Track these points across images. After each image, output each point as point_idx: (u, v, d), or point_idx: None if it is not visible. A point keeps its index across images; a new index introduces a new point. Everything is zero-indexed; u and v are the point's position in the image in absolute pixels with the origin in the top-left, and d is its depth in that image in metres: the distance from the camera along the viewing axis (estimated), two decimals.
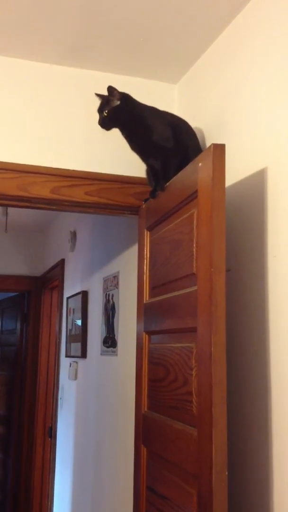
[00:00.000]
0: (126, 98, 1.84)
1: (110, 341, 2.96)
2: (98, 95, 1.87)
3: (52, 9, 1.84)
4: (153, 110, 1.92)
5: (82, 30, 1.96)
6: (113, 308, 2.94)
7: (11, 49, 2.07)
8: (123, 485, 2.61)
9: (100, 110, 1.84)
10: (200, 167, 1.58)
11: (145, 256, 2.07)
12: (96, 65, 2.17)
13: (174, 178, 1.83)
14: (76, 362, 3.77)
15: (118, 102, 1.82)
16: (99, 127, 1.93)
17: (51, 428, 4.45)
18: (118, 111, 1.82)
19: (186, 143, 1.92)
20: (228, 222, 1.55)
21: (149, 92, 2.20)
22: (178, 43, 2.01)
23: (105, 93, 1.83)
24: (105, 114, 1.82)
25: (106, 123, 1.84)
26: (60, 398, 4.22)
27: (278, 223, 1.54)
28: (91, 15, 1.86)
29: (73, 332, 3.83)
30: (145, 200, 2.08)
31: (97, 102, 1.89)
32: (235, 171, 1.75)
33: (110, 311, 2.99)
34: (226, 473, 1.39)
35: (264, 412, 1.54)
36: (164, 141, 1.87)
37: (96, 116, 1.88)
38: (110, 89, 1.81)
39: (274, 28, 1.62)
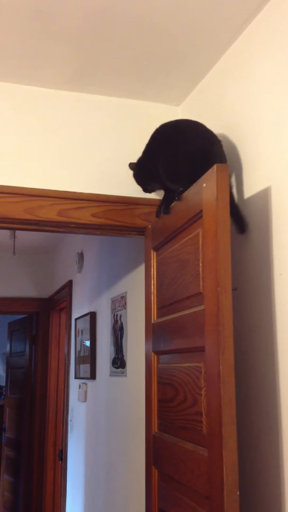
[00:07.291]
0: (136, 165, 2.04)
1: (119, 362, 2.96)
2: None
3: (56, 36, 1.88)
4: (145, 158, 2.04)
5: (86, 56, 2.00)
6: (121, 328, 2.94)
7: (15, 75, 2.11)
8: (134, 507, 2.59)
9: None
10: (204, 188, 1.60)
11: (152, 276, 2.08)
12: (100, 89, 2.21)
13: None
14: (86, 384, 3.75)
15: (133, 171, 2.06)
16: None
17: (61, 451, 4.42)
18: (136, 176, 2.06)
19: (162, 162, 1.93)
20: (233, 241, 1.56)
21: (153, 115, 2.23)
22: (180, 66, 2.05)
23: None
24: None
25: (143, 189, 2.09)
26: (70, 420, 4.20)
27: (284, 241, 1.55)
28: (94, 41, 1.90)
29: (82, 354, 3.83)
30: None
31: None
32: (239, 190, 1.77)
33: (118, 332, 2.99)
34: (238, 493, 1.38)
35: (275, 431, 1.53)
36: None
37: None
38: (129, 166, 2.06)
39: (276, 49, 1.65)
